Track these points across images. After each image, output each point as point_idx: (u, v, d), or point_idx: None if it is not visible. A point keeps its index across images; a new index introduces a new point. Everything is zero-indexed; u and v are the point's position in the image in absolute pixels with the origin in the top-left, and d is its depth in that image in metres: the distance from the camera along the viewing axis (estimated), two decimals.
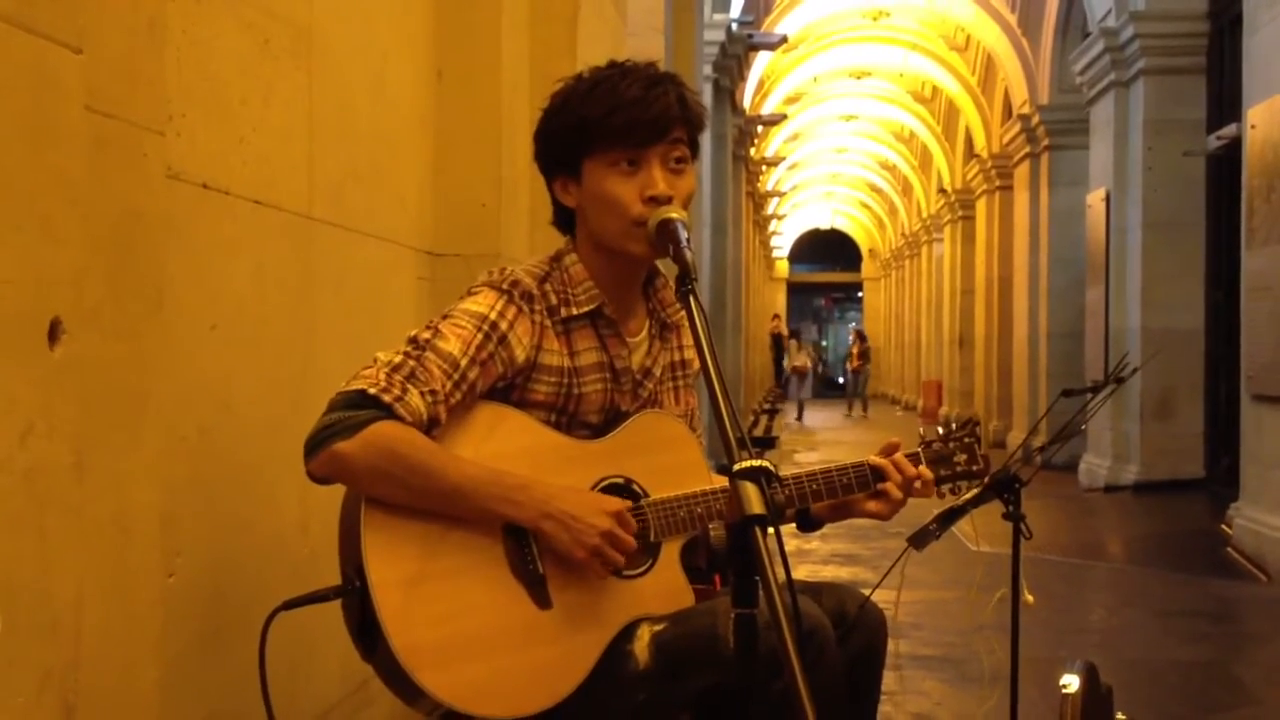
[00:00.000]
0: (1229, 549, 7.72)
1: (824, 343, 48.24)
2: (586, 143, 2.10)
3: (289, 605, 2.00)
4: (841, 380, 35.80)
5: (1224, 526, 8.05)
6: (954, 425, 2.35)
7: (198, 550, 2.15)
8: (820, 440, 19.03)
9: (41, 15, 1.41)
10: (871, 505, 2.25)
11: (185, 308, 2.10)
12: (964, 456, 2.33)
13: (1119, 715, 3.04)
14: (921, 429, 2.37)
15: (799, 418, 24.67)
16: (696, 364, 2.28)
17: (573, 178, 2.15)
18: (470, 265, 3.40)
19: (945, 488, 2.34)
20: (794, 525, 2.34)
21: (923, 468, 2.28)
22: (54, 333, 1.43)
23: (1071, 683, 2.85)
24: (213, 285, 2.24)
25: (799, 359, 28.37)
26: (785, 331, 31.50)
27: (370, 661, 1.97)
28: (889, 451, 2.27)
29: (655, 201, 2.07)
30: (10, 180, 1.36)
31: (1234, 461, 8.48)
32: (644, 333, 2.24)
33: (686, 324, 2.14)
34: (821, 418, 25.68)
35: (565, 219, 2.22)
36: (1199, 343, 10.59)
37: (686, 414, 2.30)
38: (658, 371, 2.25)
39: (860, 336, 29.67)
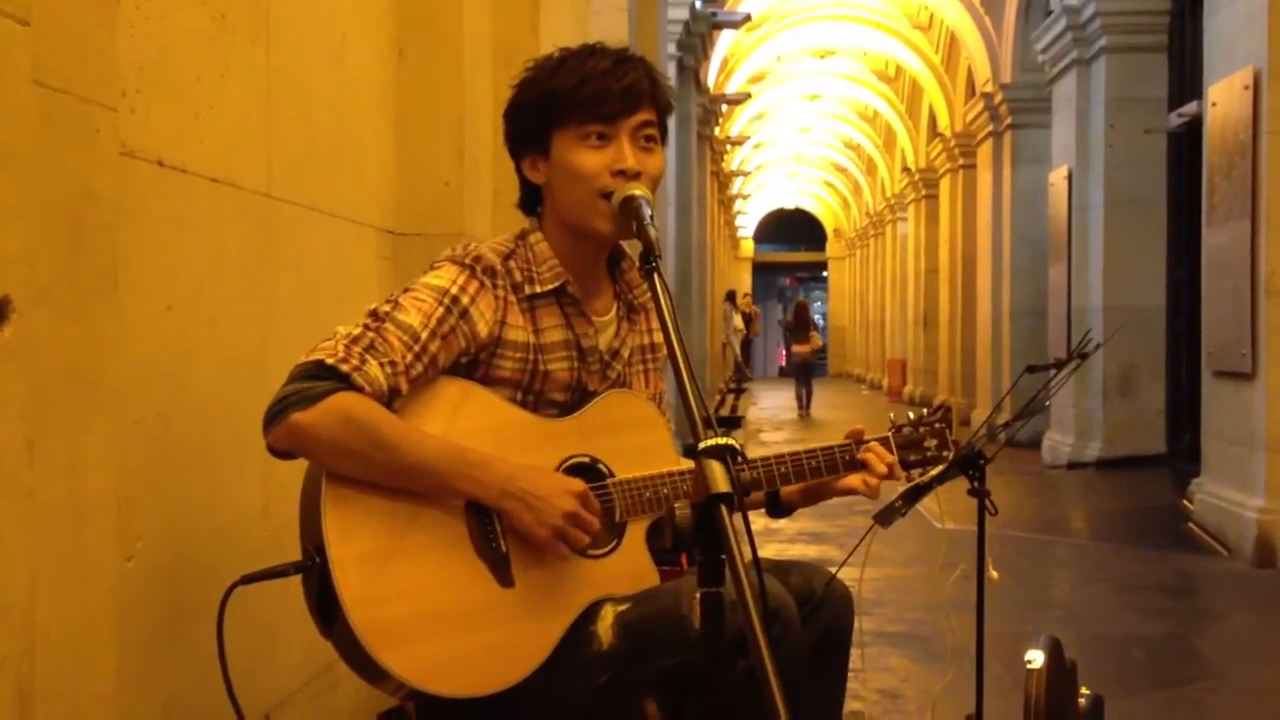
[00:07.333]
0: (1190, 524, 7.79)
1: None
2: (556, 115, 2.09)
3: (247, 580, 1.98)
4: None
5: (1185, 502, 8.12)
6: (925, 411, 2.36)
7: (157, 534, 2.12)
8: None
9: None
10: (855, 480, 2.24)
11: (141, 288, 2.06)
12: (934, 442, 2.33)
13: (1083, 690, 3.05)
14: (891, 414, 2.37)
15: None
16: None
17: (541, 154, 2.13)
18: (432, 244, 3.36)
19: (915, 471, 2.34)
20: (764, 510, 2.33)
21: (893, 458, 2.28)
22: (3, 311, 1.40)
23: (1036, 658, 2.85)
24: (169, 265, 2.20)
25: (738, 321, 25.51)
26: (753, 310, 29.68)
27: (329, 638, 1.95)
28: (854, 439, 2.27)
29: (624, 175, 2.06)
30: None
31: (1195, 437, 8.55)
32: (611, 313, 2.22)
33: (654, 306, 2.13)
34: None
35: (531, 201, 2.20)
36: (1160, 320, 10.64)
37: (655, 397, 2.29)
38: (626, 353, 2.24)
39: (802, 310, 21.97)
